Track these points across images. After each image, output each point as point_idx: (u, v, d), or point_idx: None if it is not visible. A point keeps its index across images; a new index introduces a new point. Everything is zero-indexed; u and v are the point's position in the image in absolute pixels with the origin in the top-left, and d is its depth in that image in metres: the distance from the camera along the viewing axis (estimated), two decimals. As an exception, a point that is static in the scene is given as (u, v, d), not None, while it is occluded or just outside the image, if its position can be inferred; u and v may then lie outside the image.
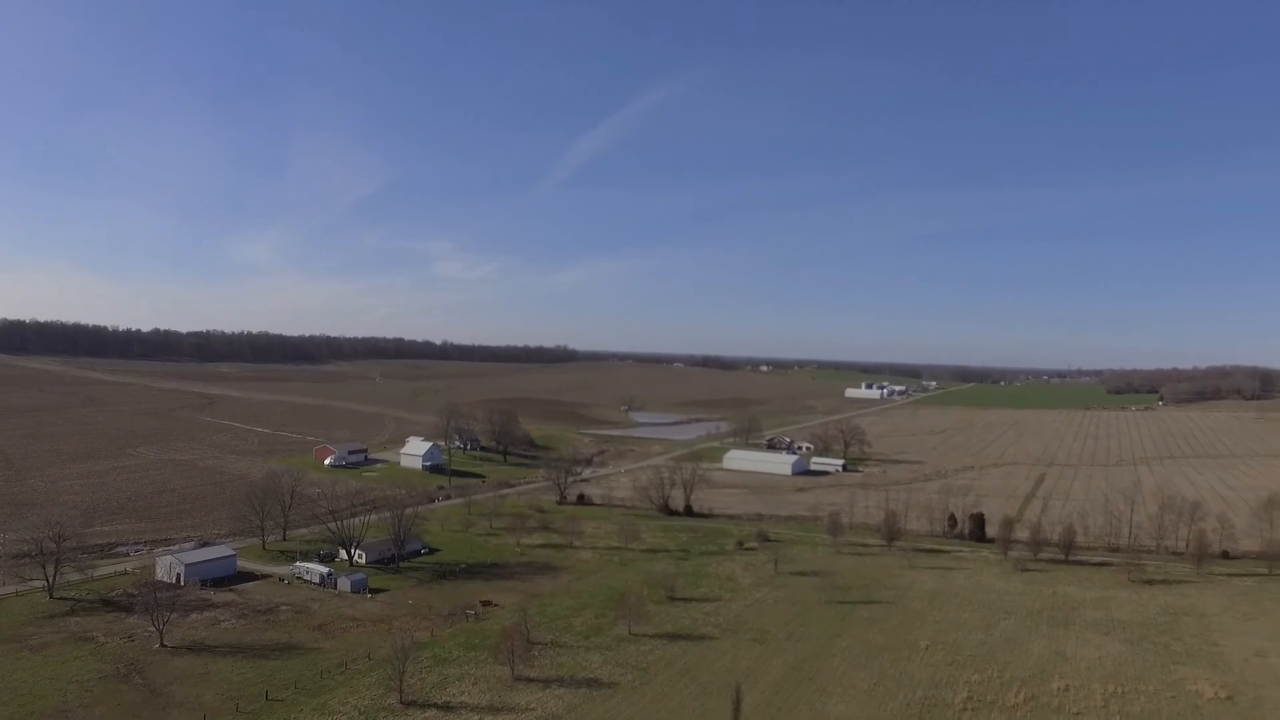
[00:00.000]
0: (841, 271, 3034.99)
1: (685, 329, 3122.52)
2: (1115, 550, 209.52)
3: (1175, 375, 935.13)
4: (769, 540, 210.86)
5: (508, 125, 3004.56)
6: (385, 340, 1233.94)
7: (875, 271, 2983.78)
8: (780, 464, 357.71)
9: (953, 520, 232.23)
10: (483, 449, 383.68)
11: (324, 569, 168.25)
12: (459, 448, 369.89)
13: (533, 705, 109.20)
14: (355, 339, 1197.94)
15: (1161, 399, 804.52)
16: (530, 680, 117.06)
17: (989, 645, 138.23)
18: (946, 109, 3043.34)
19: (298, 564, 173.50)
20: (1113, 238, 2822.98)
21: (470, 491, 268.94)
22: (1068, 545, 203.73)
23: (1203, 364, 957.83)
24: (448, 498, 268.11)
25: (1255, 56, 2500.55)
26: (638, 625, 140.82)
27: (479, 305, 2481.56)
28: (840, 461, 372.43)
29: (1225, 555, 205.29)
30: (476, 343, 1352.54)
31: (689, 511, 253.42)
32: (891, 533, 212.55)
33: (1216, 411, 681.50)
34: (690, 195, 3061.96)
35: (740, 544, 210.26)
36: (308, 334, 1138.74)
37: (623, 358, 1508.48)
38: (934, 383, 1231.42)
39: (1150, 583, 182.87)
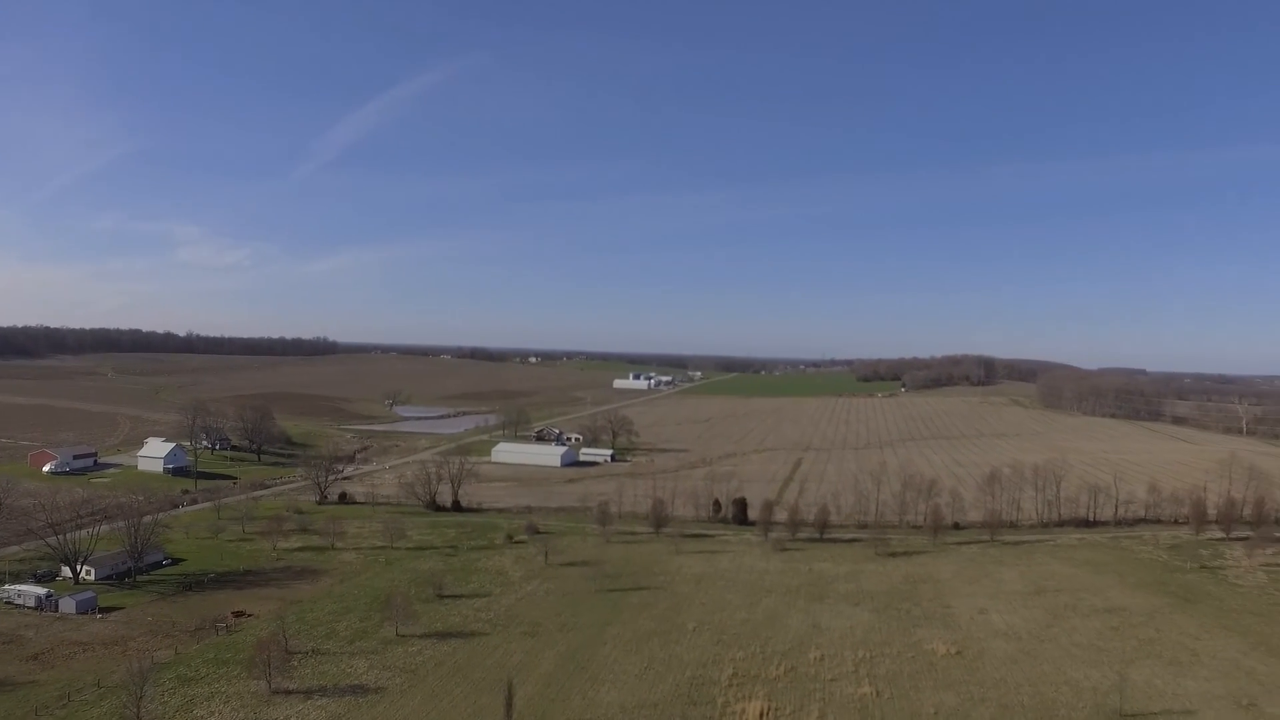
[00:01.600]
0: (611, 263, 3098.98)
1: (453, 320, 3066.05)
2: (864, 527, 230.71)
3: (915, 364, 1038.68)
4: (539, 532, 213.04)
5: (270, 96, 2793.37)
6: (119, 332, 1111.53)
7: (641, 266, 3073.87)
8: (549, 456, 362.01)
9: (717, 505, 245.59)
10: (234, 449, 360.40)
11: (41, 590, 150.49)
12: (207, 448, 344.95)
13: (292, 718, 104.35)
14: (82, 330, 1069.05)
15: (904, 386, 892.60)
16: (290, 693, 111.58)
17: (752, 623, 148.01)
18: (743, 101, 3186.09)
19: (6, 587, 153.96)
20: (861, 236, 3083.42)
21: (220, 494, 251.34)
22: (822, 524, 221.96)
23: (939, 353, 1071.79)
24: (194, 502, 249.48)
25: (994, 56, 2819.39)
26: (405, 626, 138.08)
27: (230, 294, 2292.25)
28: (609, 452, 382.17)
29: (956, 526, 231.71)
30: (226, 334, 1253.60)
31: (457, 507, 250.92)
32: (659, 520, 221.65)
33: (949, 397, 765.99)
34: (464, 181, 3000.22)
35: (510, 537, 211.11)
36: (20, 324, 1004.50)
37: (386, 350, 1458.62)
38: (699, 373, 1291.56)
39: (894, 555, 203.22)
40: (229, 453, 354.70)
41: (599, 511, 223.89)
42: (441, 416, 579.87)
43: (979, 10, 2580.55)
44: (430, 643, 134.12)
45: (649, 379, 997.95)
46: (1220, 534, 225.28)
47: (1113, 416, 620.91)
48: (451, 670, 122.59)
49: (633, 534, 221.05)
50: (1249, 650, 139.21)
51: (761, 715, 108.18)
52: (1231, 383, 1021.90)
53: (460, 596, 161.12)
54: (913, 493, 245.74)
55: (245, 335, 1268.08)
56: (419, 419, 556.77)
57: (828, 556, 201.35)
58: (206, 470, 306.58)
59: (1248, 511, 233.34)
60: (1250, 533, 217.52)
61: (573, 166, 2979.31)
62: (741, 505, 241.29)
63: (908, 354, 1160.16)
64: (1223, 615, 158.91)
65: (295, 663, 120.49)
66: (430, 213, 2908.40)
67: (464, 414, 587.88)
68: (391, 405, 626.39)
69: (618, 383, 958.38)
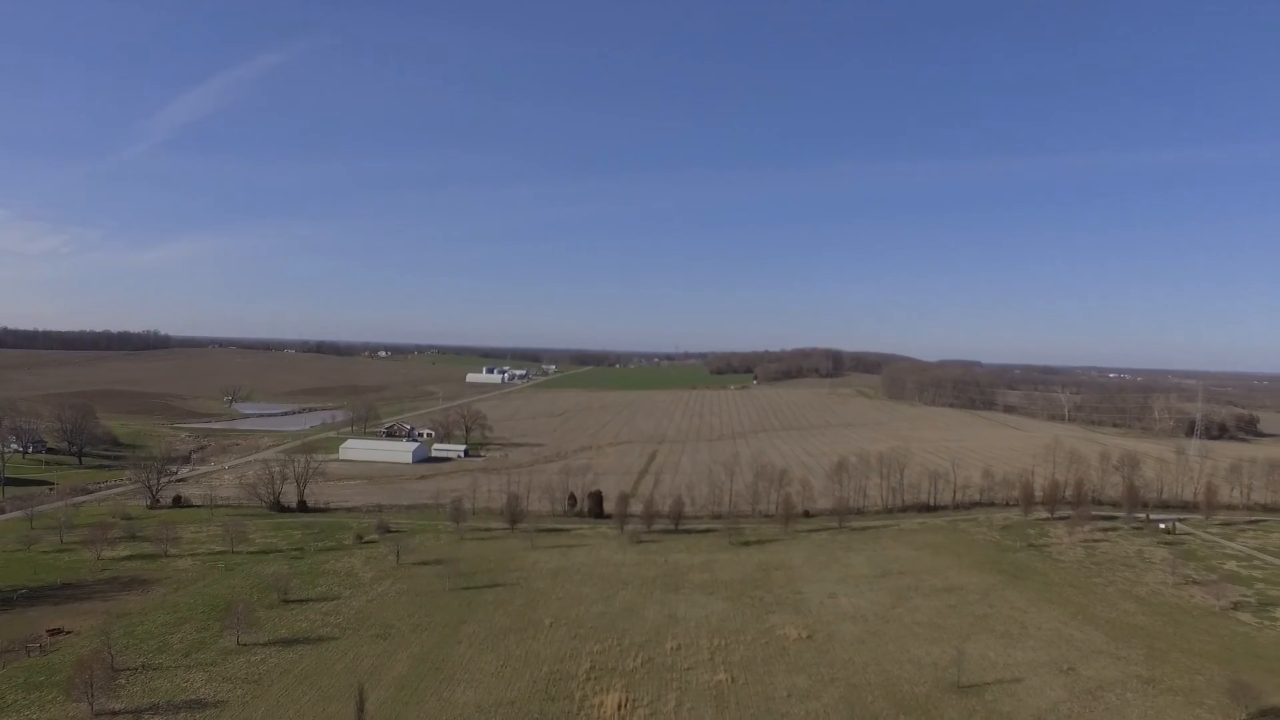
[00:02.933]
0: (462, 255, 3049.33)
1: (297, 313, 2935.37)
2: (718, 517, 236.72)
3: (766, 356, 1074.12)
4: (391, 531, 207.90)
5: (87, 72, 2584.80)
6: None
7: (492, 258, 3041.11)
8: (400, 452, 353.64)
9: (573, 499, 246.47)
10: (50, 451, 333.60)
11: None
12: (17, 451, 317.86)
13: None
14: None
15: (755, 378, 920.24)
16: (116, 714, 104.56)
17: (609, 616, 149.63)
18: (594, 95, 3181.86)
19: None
20: (710, 231, 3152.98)
21: (34, 502, 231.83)
22: (677, 515, 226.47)
23: (789, 346, 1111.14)
24: (1, 512, 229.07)
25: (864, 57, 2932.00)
26: (248, 634, 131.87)
27: (46, 283, 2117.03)
28: (462, 447, 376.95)
29: (806, 514, 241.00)
30: (41, 327, 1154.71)
31: (303, 507, 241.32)
32: (514, 515, 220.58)
33: (799, 388, 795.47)
34: (307, 168, 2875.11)
35: (360, 537, 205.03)
36: None
37: (225, 344, 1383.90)
38: (554, 366, 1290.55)
39: (747, 544, 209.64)
40: (44, 456, 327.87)
41: (452, 508, 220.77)
42: (286, 413, 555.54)
43: (814, 15, 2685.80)
44: (275, 650, 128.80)
45: (503, 373, 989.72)
46: (1046, 514, 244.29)
47: (951, 406, 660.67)
48: (298, 678, 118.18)
49: (487, 530, 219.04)
50: (1069, 620, 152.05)
51: (620, 707, 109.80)
52: (1055, 374, 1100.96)
53: (307, 600, 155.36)
54: (765, 482, 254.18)
55: (64, 329, 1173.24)
56: (261, 416, 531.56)
57: (683, 547, 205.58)
58: (16, 476, 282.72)
59: (1069, 492, 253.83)
60: (1071, 512, 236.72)
61: (419, 156, 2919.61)
62: (597, 498, 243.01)
63: (759, 347, 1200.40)
64: (1047, 589, 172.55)
65: (123, 681, 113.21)
66: (272, 201, 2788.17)
67: (310, 410, 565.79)
68: (231, 402, 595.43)
69: (471, 377, 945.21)
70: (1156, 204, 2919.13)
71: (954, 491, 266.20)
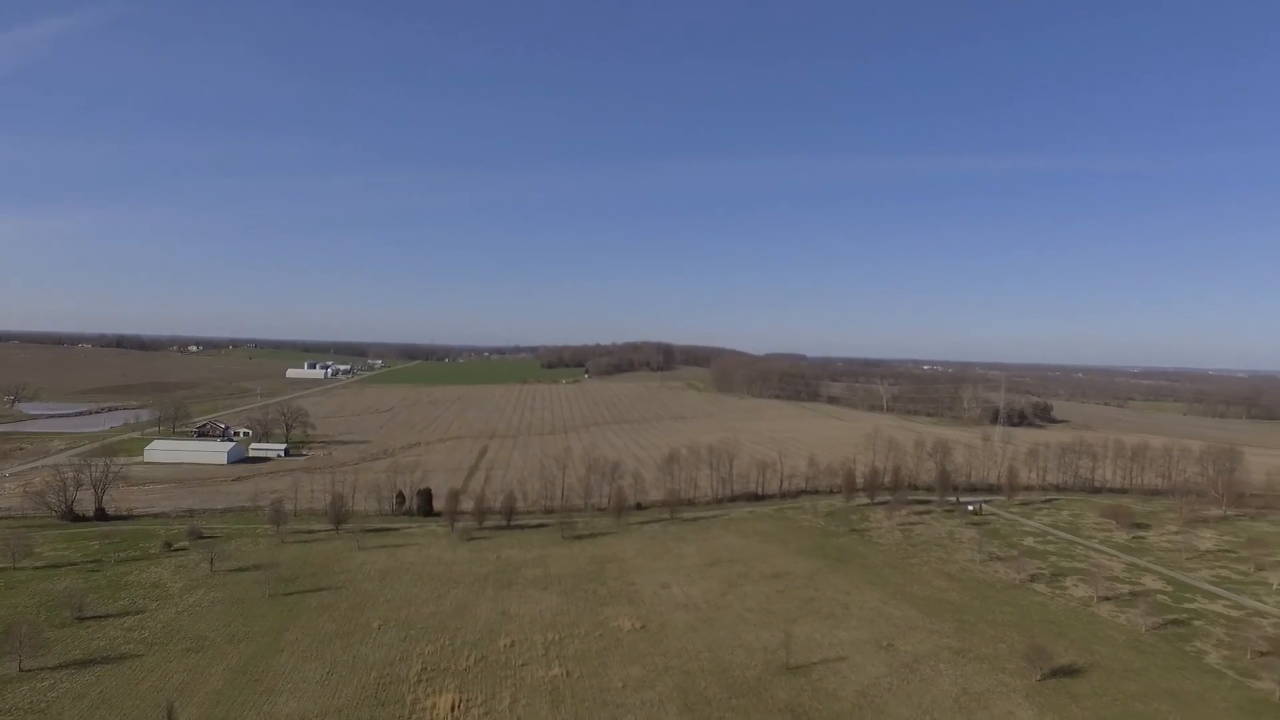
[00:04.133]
0: (281, 245, 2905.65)
1: (95, 305, 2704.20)
2: (551, 511, 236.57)
3: (598, 350, 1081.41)
4: (204, 537, 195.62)
5: None
6: None
7: (316, 249, 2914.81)
8: (214, 453, 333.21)
9: (401, 497, 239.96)
10: None
11: None
12: None
13: None
14: None
15: (587, 372, 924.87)
16: None
17: (440, 615, 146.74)
18: (421, 84, 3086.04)
19: None
20: (539, 223, 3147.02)
21: None
22: (509, 511, 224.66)
23: (620, 340, 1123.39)
24: None
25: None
26: (32, 659, 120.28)
27: None
28: (282, 446, 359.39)
29: (639, 506, 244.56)
30: None
31: (102, 515, 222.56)
32: (339, 515, 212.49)
33: (630, 382, 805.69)
34: (104, 146, 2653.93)
35: (169, 545, 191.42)
36: None
37: (7, 338, 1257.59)
38: (380, 361, 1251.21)
39: (580, 537, 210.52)
40: None
41: (272, 510, 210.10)
42: (81, 413, 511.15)
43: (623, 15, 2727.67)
44: (67, 674, 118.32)
45: (326, 368, 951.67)
46: (867, 500, 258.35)
47: (778, 398, 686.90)
48: (95, 702, 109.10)
49: (310, 532, 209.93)
50: (888, 599, 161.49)
51: (453, 708, 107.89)
52: (875, 366, 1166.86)
53: (107, 616, 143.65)
54: (597, 476, 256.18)
55: None
56: (52, 417, 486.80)
57: (515, 543, 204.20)
58: None
59: (888, 479, 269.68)
60: (890, 497, 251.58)
61: (235, 139, 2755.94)
62: (427, 496, 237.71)
63: (591, 340, 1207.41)
64: (868, 571, 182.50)
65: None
66: (63, 181, 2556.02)
67: (110, 410, 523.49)
68: (14, 402, 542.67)
69: (291, 372, 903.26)
70: (969, 206, 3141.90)
71: (781, 480, 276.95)
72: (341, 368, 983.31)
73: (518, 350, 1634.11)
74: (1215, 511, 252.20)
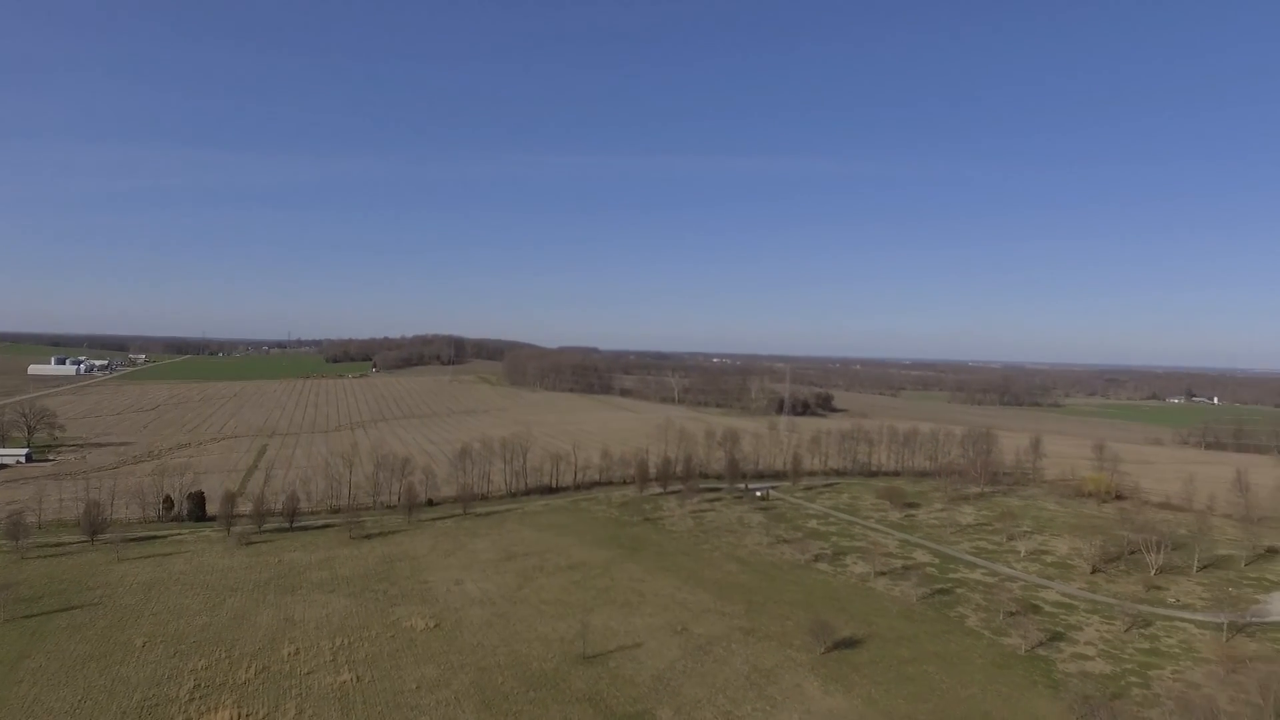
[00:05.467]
0: (18, 224, 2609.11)
1: None
2: (337, 511, 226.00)
3: (387, 344, 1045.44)
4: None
5: None
6: None
7: (65, 227, 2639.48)
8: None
9: (169, 502, 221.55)
10: None
11: None
12: None
13: None
14: None
15: (375, 366, 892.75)
16: None
17: (215, 627, 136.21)
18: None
19: None
20: (318, 208, 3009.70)
21: None
22: (292, 512, 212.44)
23: (410, 333, 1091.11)
24: None
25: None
26: None
27: None
28: (24, 451, 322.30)
29: (431, 503, 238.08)
30: None
31: None
32: (95, 525, 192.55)
33: (421, 376, 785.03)
34: None
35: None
36: None
37: None
38: (144, 356, 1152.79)
39: (369, 537, 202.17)
40: None
41: (9, 524, 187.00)
42: None
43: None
44: None
45: (79, 363, 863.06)
46: (660, 489, 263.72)
47: (571, 391, 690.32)
48: None
49: (59, 545, 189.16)
50: (681, 585, 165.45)
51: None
52: (667, 359, 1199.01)
53: None
54: (386, 472, 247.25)
55: None
56: None
57: (299, 545, 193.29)
58: None
59: (680, 468, 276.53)
60: (682, 486, 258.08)
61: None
62: (199, 499, 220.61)
63: (379, 334, 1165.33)
64: (662, 559, 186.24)
65: None
66: None
67: None
68: None
69: (34, 368, 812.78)
70: (750, 208, 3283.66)
71: (575, 472, 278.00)
72: (97, 363, 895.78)
73: (300, 344, 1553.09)
74: (975, 489, 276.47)
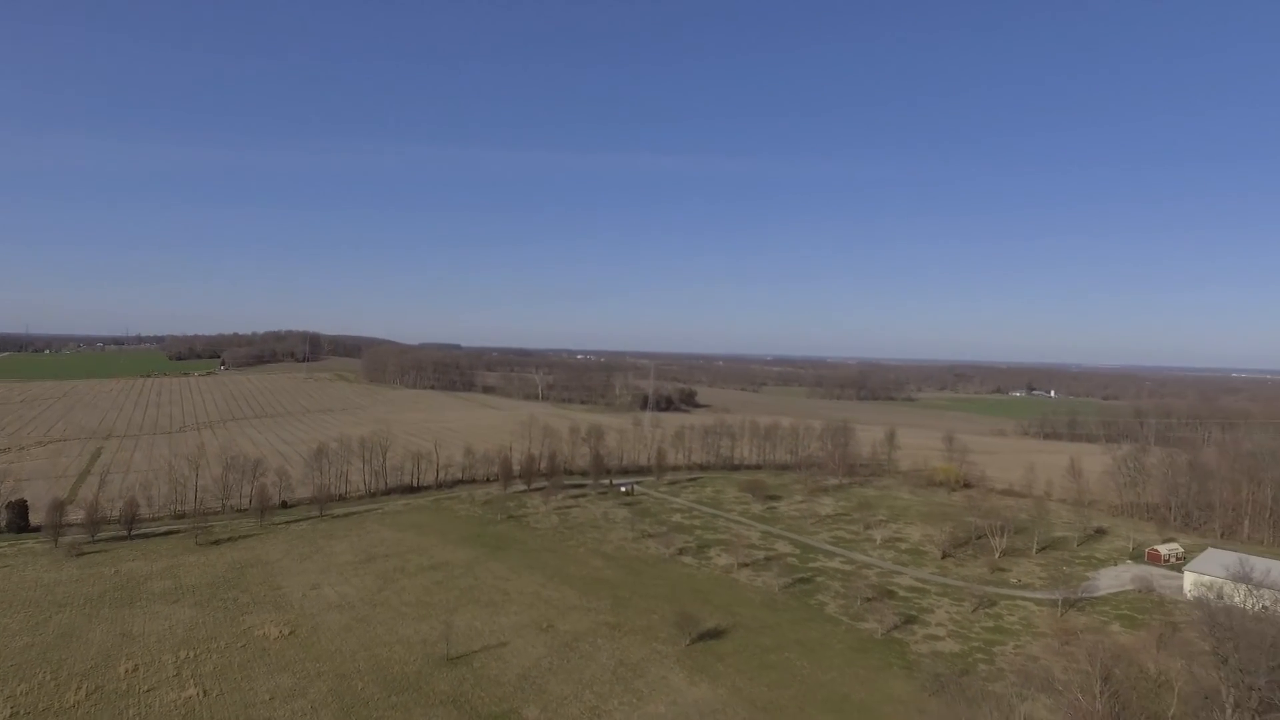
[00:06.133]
0: None
1: None
2: (182, 516, 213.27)
3: (236, 340, 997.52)
4: None
5: None
6: None
7: None
8: None
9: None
10: None
11: None
12: None
13: None
14: None
15: (223, 364, 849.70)
16: None
17: (39, 647, 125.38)
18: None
19: None
20: (159, 195, 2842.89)
21: None
22: (130, 519, 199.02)
23: (262, 329, 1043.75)
24: None
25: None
26: None
27: None
28: None
29: (285, 505, 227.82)
30: None
31: None
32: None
33: (274, 374, 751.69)
34: None
35: None
36: None
37: None
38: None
39: (218, 542, 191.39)
40: None
41: None
42: None
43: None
44: None
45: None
46: (524, 486, 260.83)
47: (433, 388, 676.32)
48: None
49: None
50: (546, 582, 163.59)
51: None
52: (530, 355, 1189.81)
53: None
54: (236, 475, 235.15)
55: None
56: None
57: (138, 554, 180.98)
58: None
59: (544, 465, 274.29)
60: (546, 483, 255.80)
61: None
62: (20, 509, 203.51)
63: (228, 329, 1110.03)
64: (526, 556, 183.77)
65: None
66: None
67: None
68: None
69: None
70: (608, 199, 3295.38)
71: (438, 471, 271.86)
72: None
73: (139, 340, 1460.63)
74: (833, 481, 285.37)
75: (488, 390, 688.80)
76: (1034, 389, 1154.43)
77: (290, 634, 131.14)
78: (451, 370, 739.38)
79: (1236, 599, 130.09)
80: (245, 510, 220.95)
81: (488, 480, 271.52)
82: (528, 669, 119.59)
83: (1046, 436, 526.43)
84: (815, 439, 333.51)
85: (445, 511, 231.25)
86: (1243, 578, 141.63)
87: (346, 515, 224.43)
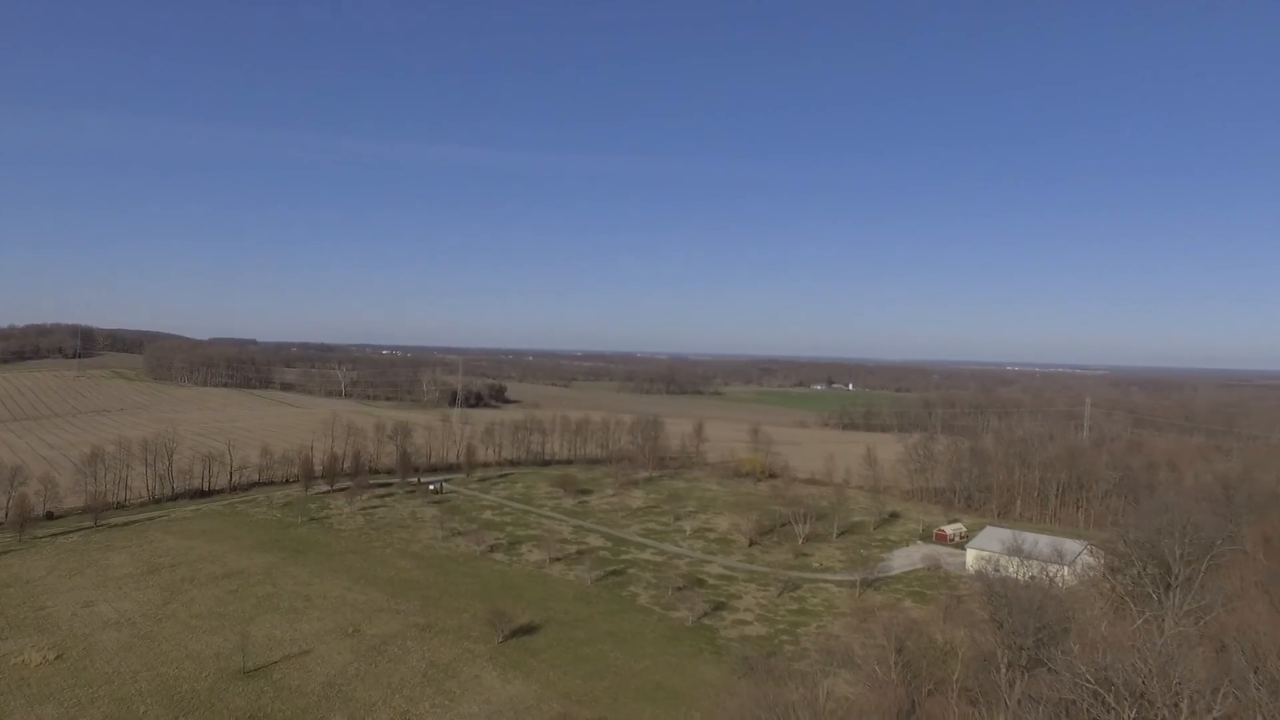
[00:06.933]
0: None
1: None
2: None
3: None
4: None
5: None
6: None
7: None
8: None
9: None
10: None
11: None
12: None
13: None
14: None
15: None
16: None
17: None
18: None
19: None
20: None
21: None
22: None
23: (22, 322, 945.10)
24: None
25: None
26: None
27: None
28: None
29: (50, 516, 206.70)
30: None
31: None
32: None
33: (37, 371, 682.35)
34: None
35: None
36: None
37: None
38: None
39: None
40: None
41: None
42: None
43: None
44: None
45: None
46: (327, 487, 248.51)
47: (225, 386, 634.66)
48: None
49: None
50: (351, 585, 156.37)
51: None
52: (332, 351, 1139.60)
53: None
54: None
55: None
56: None
57: None
58: None
59: (348, 464, 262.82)
60: (350, 483, 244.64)
61: None
62: None
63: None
64: (330, 559, 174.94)
65: None
66: None
67: None
68: None
69: None
70: (420, 191, 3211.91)
71: (231, 473, 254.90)
72: None
73: None
74: (644, 474, 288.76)
75: (286, 388, 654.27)
76: (834, 382, 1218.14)
77: (57, 658, 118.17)
78: (246, 367, 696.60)
79: (1010, 570, 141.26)
80: (1, 524, 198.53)
81: (287, 482, 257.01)
82: (333, 676, 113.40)
83: (845, 427, 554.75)
84: (626, 433, 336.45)
85: (240, 516, 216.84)
86: (1015, 551, 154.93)
87: (126, 524, 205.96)
